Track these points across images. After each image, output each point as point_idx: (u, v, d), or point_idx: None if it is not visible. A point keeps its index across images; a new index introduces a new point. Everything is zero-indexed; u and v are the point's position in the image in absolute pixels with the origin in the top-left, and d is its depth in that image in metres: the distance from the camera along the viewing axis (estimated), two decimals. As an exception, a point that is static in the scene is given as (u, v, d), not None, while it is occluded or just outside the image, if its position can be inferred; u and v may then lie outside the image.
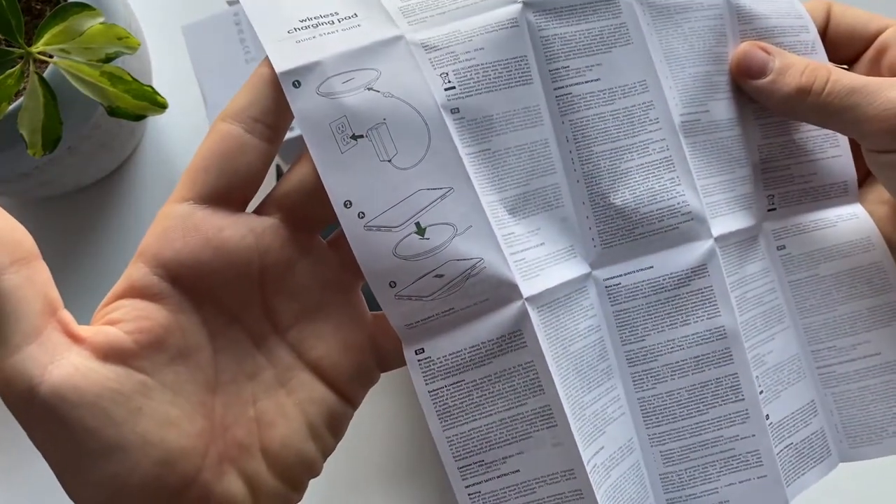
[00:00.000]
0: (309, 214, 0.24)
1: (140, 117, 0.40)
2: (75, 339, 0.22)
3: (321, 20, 0.25)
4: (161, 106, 0.40)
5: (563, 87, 0.27)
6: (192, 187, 0.23)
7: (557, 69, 0.27)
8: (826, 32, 0.32)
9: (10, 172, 0.43)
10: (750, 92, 0.30)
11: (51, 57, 0.38)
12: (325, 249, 0.25)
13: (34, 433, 0.21)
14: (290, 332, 0.25)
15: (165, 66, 0.53)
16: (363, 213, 0.24)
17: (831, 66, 0.30)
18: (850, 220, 0.32)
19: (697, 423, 0.28)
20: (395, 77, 0.24)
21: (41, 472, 0.50)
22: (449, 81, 0.25)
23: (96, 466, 0.21)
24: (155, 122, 0.55)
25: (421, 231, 0.24)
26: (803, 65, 0.29)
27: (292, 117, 0.24)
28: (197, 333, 0.23)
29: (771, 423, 0.29)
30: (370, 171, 0.24)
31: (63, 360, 0.21)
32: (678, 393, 0.28)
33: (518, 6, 0.26)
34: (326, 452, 0.25)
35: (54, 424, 0.21)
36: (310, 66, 0.24)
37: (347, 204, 0.24)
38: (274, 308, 0.24)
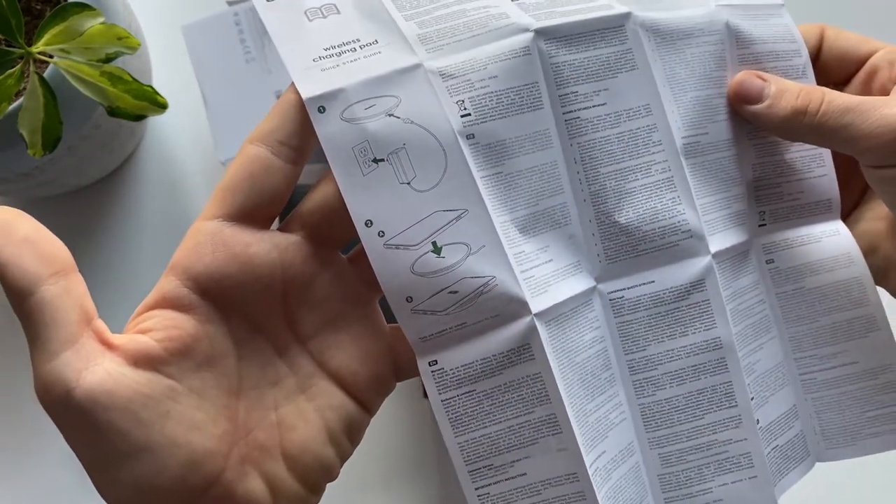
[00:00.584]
0: (330, 232, 0.26)
1: (140, 117, 0.40)
2: (109, 346, 0.23)
3: (344, 48, 0.26)
4: (161, 106, 0.40)
5: (571, 112, 0.28)
6: (221, 206, 0.24)
7: (566, 94, 0.28)
8: (819, 55, 0.34)
9: (10, 172, 0.43)
10: (748, 117, 0.31)
11: (51, 57, 0.38)
12: (345, 265, 0.27)
13: (69, 435, 0.22)
14: (311, 341, 0.26)
15: (165, 65, 0.53)
16: (383, 231, 0.25)
17: (825, 88, 0.31)
18: (832, 236, 0.33)
19: (694, 428, 0.30)
20: (414, 104, 0.25)
21: (42, 475, 0.51)
22: (465, 108, 0.26)
23: (126, 467, 0.22)
24: (155, 122, 0.55)
25: (437, 250, 0.25)
26: (798, 88, 0.30)
27: (316, 141, 0.25)
28: (223, 342, 0.24)
29: (760, 426, 0.31)
30: (390, 192, 0.25)
31: (97, 366, 0.22)
32: (676, 399, 0.30)
33: (530, 34, 0.27)
34: (344, 457, 0.27)
35: (87, 426, 0.22)
36: (334, 92, 0.25)
37: (368, 223, 0.25)
38: (296, 319, 0.26)
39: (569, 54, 0.28)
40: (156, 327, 0.24)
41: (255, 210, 0.25)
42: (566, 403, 0.26)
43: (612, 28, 0.28)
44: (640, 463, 0.30)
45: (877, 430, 0.33)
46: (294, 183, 0.25)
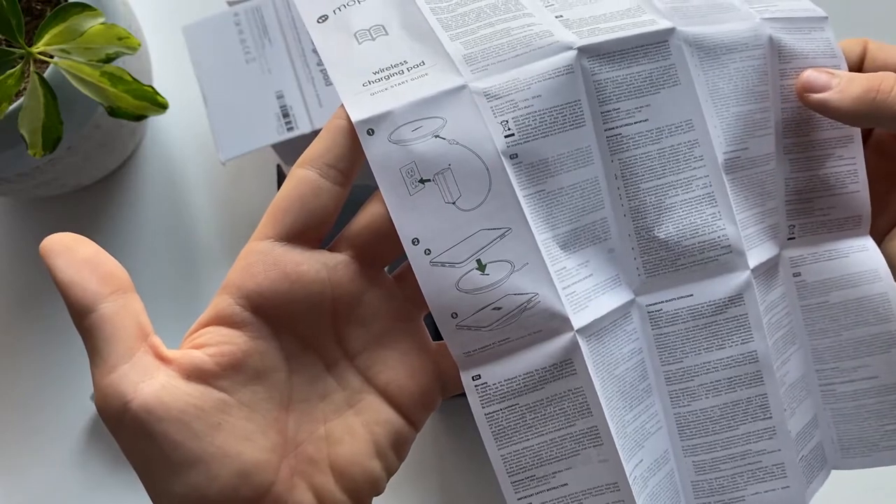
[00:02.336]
0: (377, 252, 0.27)
1: (140, 117, 0.40)
2: (163, 360, 0.24)
3: (392, 71, 0.27)
4: (161, 106, 0.40)
5: (613, 129, 0.28)
6: (272, 227, 0.26)
7: (609, 111, 0.28)
8: (861, 69, 0.34)
9: (10, 172, 0.43)
10: (816, 106, 0.31)
11: (51, 57, 0.38)
12: (391, 283, 0.28)
13: (125, 445, 0.23)
14: (359, 357, 0.27)
15: (166, 66, 0.53)
16: (429, 249, 0.26)
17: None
18: (860, 251, 0.33)
19: (728, 438, 0.30)
20: (459, 125, 0.26)
21: (42, 476, 0.51)
22: (509, 129, 0.27)
23: (179, 476, 0.23)
24: (155, 122, 0.55)
25: (481, 267, 0.26)
26: (867, 75, 0.30)
27: (362, 163, 0.26)
28: (274, 357, 0.25)
29: (791, 437, 0.31)
30: (436, 212, 0.26)
31: (152, 379, 0.23)
32: (711, 410, 0.30)
33: (573, 53, 0.27)
34: (390, 472, 0.27)
35: (143, 436, 0.23)
36: (382, 115, 0.26)
37: (415, 241, 0.26)
38: (345, 336, 0.27)
39: (611, 71, 0.28)
40: (209, 343, 0.25)
41: (304, 230, 0.26)
42: (607, 416, 0.27)
43: (655, 44, 0.29)
44: (673, 470, 0.30)
45: (895, 444, 0.33)
46: (342, 204, 0.26)
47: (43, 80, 0.38)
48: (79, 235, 0.25)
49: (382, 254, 0.27)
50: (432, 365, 0.28)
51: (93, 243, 0.25)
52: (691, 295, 0.30)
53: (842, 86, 0.30)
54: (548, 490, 0.27)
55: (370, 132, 0.26)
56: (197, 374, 0.24)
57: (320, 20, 0.29)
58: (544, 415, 0.27)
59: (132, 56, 0.40)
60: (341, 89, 0.27)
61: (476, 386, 0.27)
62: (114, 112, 0.39)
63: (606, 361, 0.28)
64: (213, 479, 0.23)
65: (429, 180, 0.26)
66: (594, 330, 0.28)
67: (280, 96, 0.47)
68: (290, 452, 0.25)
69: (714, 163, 0.29)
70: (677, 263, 0.29)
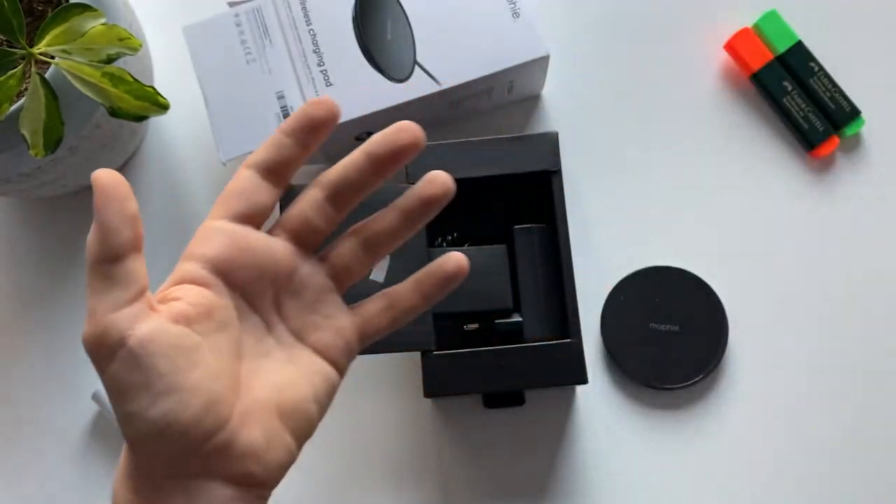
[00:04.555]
0: (307, 237, 0.32)
1: (141, 118, 0.40)
2: (154, 309, 0.29)
3: None
4: (162, 106, 0.40)
5: None
6: (223, 210, 0.31)
7: None
8: None
9: (11, 172, 0.44)
10: None
11: (52, 58, 0.38)
12: (317, 261, 0.33)
13: (112, 373, 0.28)
14: (292, 321, 0.32)
15: (166, 66, 0.53)
16: None
17: None
18: None
19: None
20: None
21: (42, 476, 0.51)
22: None
23: (157, 403, 0.28)
24: (156, 122, 0.55)
25: None
26: None
27: (296, 168, 0.32)
28: (232, 314, 0.31)
29: None
30: None
31: (146, 321, 0.28)
32: None
33: None
34: (322, 414, 0.32)
35: (133, 367, 0.28)
36: None
37: None
38: (281, 302, 0.32)
39: None
40: (184, 297, 0.30)
41: (249, 216, 0.31)
42: None
43: None
44: None
45: None
46: (277, 200, 0.32)
47: (44, 81, 0.38)
48: (129, 188, 0.29)
49: (310, 239, 0.32)
50: (351, 323, 0.33)
51: (135, 201, 0.29)
52: None
53: None
54: None
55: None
56: (182, 319, 0.29)
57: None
58: None
59: (133, 57, 0.40)
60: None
61: None
62: (115, 112, 0.39)
63: None
64: (186, 407, 0.28)
65: None
66: None
67: (280, 96, 0.47)
68: (243, 395, 0.30)
69: None
70: None
